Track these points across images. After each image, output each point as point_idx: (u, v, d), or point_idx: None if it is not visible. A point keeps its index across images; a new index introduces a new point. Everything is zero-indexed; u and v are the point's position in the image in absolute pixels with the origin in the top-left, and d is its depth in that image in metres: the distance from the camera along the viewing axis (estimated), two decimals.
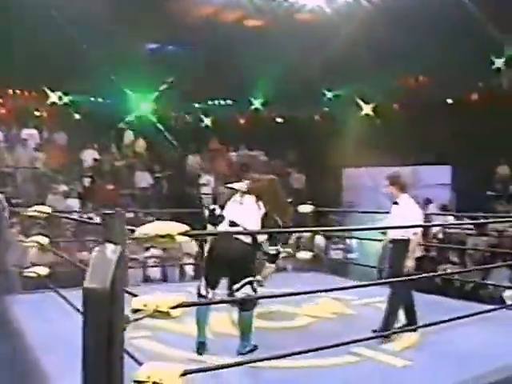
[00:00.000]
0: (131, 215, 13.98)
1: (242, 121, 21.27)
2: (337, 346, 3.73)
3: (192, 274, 11.85)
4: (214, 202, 15.74)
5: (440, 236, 12.16)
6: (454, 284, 10.99)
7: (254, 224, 4.57)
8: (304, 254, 8.51)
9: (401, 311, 5.32)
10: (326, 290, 5.22)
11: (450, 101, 16.45)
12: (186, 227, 3.06)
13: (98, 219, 13.03)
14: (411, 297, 5.34)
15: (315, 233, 9.20)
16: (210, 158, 18.23)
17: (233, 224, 4.56)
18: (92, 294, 2.51)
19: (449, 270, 11.33)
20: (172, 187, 16.34)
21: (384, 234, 10.63)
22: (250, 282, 4.52)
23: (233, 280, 4.56)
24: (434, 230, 12.31)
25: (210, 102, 20.83)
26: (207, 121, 20.36)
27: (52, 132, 16.79)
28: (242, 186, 4.84)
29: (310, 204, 8.77)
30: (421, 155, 14.20)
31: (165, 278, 11.40)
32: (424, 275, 6.27)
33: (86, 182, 14.95)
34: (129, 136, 17.78)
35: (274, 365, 4.01)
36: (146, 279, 11.33)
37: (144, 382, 2.56)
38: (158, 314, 2.64)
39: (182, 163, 17.62)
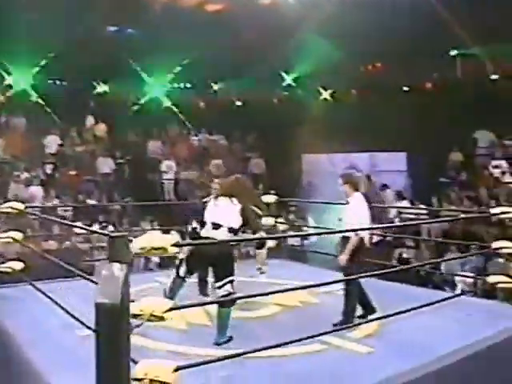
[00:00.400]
0: (94, 202, 14.19)
1: (201, 104, 21.05)
2: (312, 337, 4.07)
3: (157, 261, 12.12)
4: (176, 188, 15.98)
5: (396, 221, 12.66)
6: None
7: (235, 219, 4.85)
8: (269, 242, 8.83)
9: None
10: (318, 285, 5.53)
11: (406, 88, 16.92)
12: (176, 238, 3.32)
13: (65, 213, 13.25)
14: (361, 288, 5.71)
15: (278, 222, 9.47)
16: (171, 143, 18.34)
17: (215, 225, 4.81)
18: (104, 308, 2.81)
19: (405, 255, 11.91)
20: (134, 173, 16.43)
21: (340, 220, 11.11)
22: (231, 281, 4.82)
23: (215, 277, 4.85)
24: (391, 215, 12.84)
25: (169, 86, 20.62)
26: (168, 104, 20.00)
27: (11, 116, 16.47)
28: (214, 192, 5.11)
29: (274, 194, 9.06)
30: (378, 142, 14.57)
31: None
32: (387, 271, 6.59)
33: (49, 168, 14.88)
34: (90, 120, 17.65)
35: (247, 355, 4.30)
36: None
37: (142, 379, 2.84)
38: (154, 318, 2.93)
39: (142, 148, 17.70)
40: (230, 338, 4.82)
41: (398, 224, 11.14)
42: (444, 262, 10.89)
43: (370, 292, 5.78)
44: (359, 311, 5.70)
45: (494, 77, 14.98)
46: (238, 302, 5.46)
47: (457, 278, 10.22)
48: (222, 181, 5.55)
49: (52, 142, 15.90)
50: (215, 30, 15.91)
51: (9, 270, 6.36)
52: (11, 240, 6.37)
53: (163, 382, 2.86)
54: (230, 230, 4.90)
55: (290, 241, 11.35)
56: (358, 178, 5.99)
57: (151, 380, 2.84)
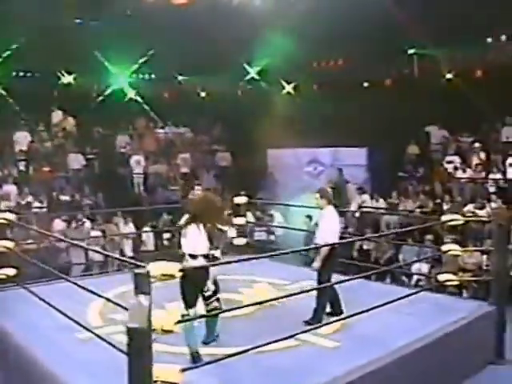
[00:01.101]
0: (67, 198, 14.52)
1: (166, 95, 21.41)
2: (290, 337, 4.75)
3: (131, 254, 12.64)
4: (145, 182, 16.34)
5: (357, 215, 13.42)
6: (370, 259, 12.36)
7: (204, 248, 5.36)
8: (239, 241, 9.52)
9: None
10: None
11: (366, 84, 17.67)
12: (179, 266, 3.94)
13: (37, 203, 13.56)
14: (335, 290, 6.47)
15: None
16: (138, 135, 18.62)
17: (192, 256, 5.32)
18: (135, 332, 3.45)
19: (365, 246, 12.69)
20: (103, 168, 16.74)
21: (310, 218, 11.83)
22: (217, 298, 5.40)
23: (204, 298, 5.38)
24: (352, 208, 13.59)
25: (134, 76, 20.68)
26: (133, 96, 20.14)
27: None
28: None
29: (244, 195, 9.68)
30: (339, 137, 15.18)
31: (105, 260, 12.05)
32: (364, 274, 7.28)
33: (21, 165, 15.07)
34: (57, 115, 17.62)
35: (227, 352, 4.92)
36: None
37: (155, 381, 3.47)
38: (164, 332, 3.56)
39: (110, 142, 17.94)
40: (217, 336, 5.44)
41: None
42: (401, 254, 11.74)
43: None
44: (328, 309, 6.42)
45: (448, 76, 15.79)
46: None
47: (413, 267, 11.06)
48: (191, 199, 6.06)
49: (22, 139, 15.94)
50: (180, 24, 16.34)
51: (3, 277, 6.85)
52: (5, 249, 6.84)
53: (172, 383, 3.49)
54: (204, 256, 5.40)
55: (257, 236, 12.03)
56: (330, 192, 6.67)
57: (162, 381, 3.47)
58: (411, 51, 16.52)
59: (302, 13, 15.53)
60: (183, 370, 3.61)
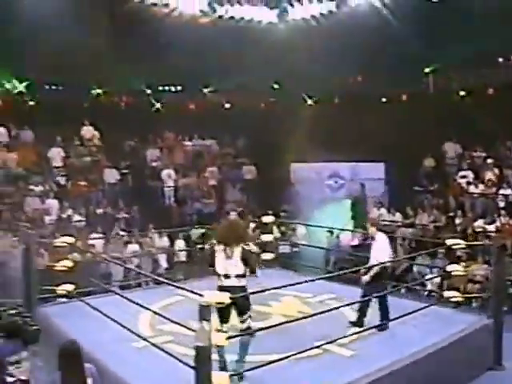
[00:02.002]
0: (104, 211, 15.57)
1: (192, 107, 21.92)
2: (317, 347, 5.73)
3: (166, 265, 13.69)
4: (175, 194, 17.32)
5: None
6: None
7: (240, 269, 6.14)
8: (267, 256, 10.52)
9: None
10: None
11: (383, 100, 18.54)
12: (228, 294, 4.95)
13: (76, 217, 14.62)
14: (369, 305, 7.54)
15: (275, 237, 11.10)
16: (168, 149, 19.52)
17: (226, 276, 6.09)
18: (201, 349, 4.53)
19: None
20: (136, 181, 17.75)
21: (331, 233, 12.77)
22: (249, 316, 6.17)
23: (238, 314, 6.17)
24: None
25: (160, 88, 21.46)
26: (159, 107, 20.96)
27: (19, 129, 17.31)
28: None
29: (270, 214, 10.69)
30: (359, 151, 15.98)
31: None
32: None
33: (61, 180, 16.09)
34: (88, 130, 18.16)
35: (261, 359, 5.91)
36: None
37: None
38: (217, 346, 4.60)
39: (141, 155, 18.88)
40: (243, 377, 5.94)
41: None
42: (415, 266, 12.60)
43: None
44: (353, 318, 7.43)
45: (462, 93, 16.63)
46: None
47: (426, 277, 11.96)
48: (218, 226, 6.93)
49: (55, 154, 16.80)
50: (206, 40, 17.19)
51: (64, 292, 7.93)
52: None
53: None
54: (237, 276, 6.18)
55: (281, 249, 12.96)
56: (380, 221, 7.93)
57: None
58: (427, 69, 17.32)
59: (323, 32, 16.47)
60: (231, 376, 4.63)
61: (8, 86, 18.20)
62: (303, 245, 12.94)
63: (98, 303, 8.10)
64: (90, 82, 19.49)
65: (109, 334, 7.08)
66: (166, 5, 15.36)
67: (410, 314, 7.13)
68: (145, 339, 6.35)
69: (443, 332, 7.16)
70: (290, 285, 7.19)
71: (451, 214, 13.69)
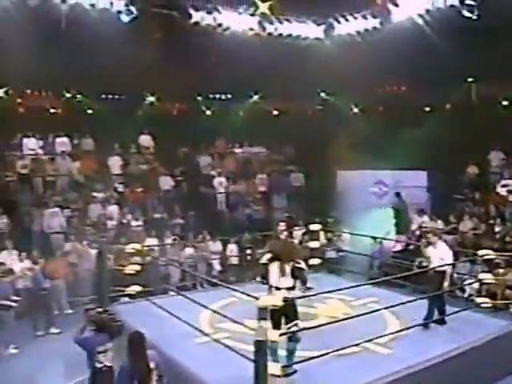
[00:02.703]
0: (160, 216, 16.61)
1: (241, 114, 22.57)
2: (356, 345, 6.56)
3: (219, 269, 14.65)
4: (227, 200, 18.25)
5: (418, 233, 14.92)
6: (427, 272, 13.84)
7: (290, 282, 6.92)
8: (314, 261, 11.35)
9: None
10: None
11: (427, 109, 19.08)
12: (281, 298, 5.83)
13: (135, 222, 15.69)
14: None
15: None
16: (219, 156, 20.52)
17: (277, 288, 6.84)
18: (260, 343, 5.40)
19: (424, 263, 14.16)
20: (190, 188, 18.76)
21: (375, 239, 13.46)
22: (296, 323, 6.85)
23: (286, 320, 6.84)
24: (413, 227, 15.11)
25: (211, 96, 22.28)
26: (210, 114, 21.74)
27: (80, 138, 18.48)
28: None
29: (318, 222, 11.52)
30: (402, 159, 16.48)
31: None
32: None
33: (120, 187, 17.21)
34: (146, 139, 19.37)
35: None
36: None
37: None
38: (272, 342, 5.49)
39: (193, 162, 19.86)
40: (295, 371, 6.72)
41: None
42: (456, 271, 13.17)
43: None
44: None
45: (504, 103, 17.08)
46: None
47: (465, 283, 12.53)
48: (273, 243, 7.84)
49: (114, 162, 17.98)
50: (257, 51, 17.85)
51: (133, 293, 8.96)
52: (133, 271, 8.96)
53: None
54: (288, 288, 6.91)
55: (328, 255, 13.77)
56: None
57: (271, 374, 5.40)
58: (470, 79, 17.80)
59: (368, 46, 17.12)
60: (283, 367, 5.54)
61: (68, 95, 19.30)
62: (348, 251, 13.68)
63: (161, 303, 9.13)
64: (143, 91, 20.39)
65: (173, 330, 8.07)
66: (220, 25, 16.21)
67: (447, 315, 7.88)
68: (206, 334, 7.28)
69: (473, 335, 7.88)
70: (337, 290, 8.01)
71: (491, 222, 14.16)
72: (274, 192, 19.09)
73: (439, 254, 8.66)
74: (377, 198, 17.35)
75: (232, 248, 15.05)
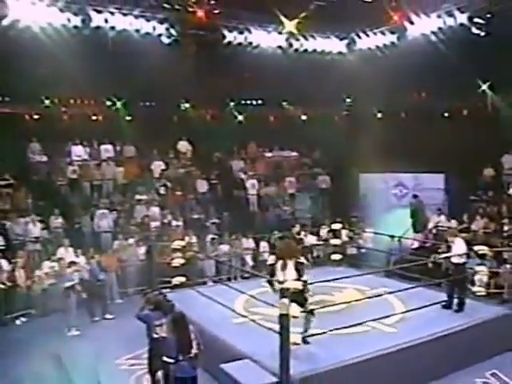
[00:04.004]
0: (197, 217, 18.10)
1: (271, 120, 24.30)
2: (364, 322, 8.00)
3: (251, 264, 16.11)
4: (259, 202, 19.69)
5: (434, 231, 16.17)
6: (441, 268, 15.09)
7: (294, 275, 8.13)
8: (336, 256, 12.78)
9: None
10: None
11: (446, 114, 20.28)
12: (301, 283, 7.30)
13: (175, 222, 17.21)
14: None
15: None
16: (251, 160, 21.92)
17: (283, 281, 8.06)
18: (284, 316, 6.91)
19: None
20: (224, 190, 20.20)
21: (392, 237, 14.73)
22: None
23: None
24: (430, 226, 16.35)
25: (242, 102, 23.69)
26: (241, 120, 23.13)
27: (123, 145, 20.07)
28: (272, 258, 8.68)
29: (340, 222, 12.94)
30: (422, 163, 17.50)
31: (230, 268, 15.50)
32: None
33: (162, 190, 18.77)
34: (183, 145, 20.86)
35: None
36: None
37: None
38: (293, 317, 6.98)
39: (227, 166, 21.31)
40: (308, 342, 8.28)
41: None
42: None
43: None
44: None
45: None
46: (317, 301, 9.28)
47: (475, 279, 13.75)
48: (280, 245, 9.27)
49: (157, 167, 19.54)
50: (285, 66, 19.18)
51: (178, 283, 10.53)
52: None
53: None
54: (293, 280, 8.17)
55: (349, 251, 15.10)
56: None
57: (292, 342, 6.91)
58: (485, 86, 18.96)
59: (388, 58, 18.39)
60: (303, 337, 7.06)
61: (108, 103, 20.87)
62: (367, 248, 15.03)
63: (202, 291, 10.69)
64: (178, 98, 21.87)
65: (213, 313, 9.64)
66: (250, 43, 17.67)
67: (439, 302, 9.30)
68: (242, 315, 8.82)
69: (468, 318, 9.28)
70: (346, 277, 9.51)
71: (503, 222, 15.30)
72: (300, 194, 20.40)
73: (456, 250, 10.01)
74: (397, 200, 18.61)
75: (264, 245, 16.43)
